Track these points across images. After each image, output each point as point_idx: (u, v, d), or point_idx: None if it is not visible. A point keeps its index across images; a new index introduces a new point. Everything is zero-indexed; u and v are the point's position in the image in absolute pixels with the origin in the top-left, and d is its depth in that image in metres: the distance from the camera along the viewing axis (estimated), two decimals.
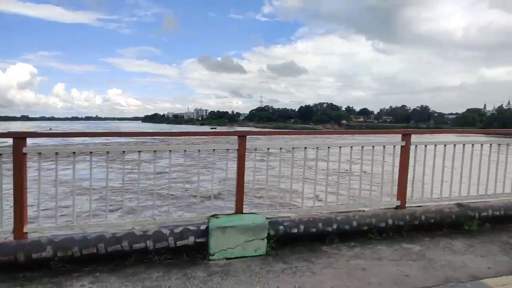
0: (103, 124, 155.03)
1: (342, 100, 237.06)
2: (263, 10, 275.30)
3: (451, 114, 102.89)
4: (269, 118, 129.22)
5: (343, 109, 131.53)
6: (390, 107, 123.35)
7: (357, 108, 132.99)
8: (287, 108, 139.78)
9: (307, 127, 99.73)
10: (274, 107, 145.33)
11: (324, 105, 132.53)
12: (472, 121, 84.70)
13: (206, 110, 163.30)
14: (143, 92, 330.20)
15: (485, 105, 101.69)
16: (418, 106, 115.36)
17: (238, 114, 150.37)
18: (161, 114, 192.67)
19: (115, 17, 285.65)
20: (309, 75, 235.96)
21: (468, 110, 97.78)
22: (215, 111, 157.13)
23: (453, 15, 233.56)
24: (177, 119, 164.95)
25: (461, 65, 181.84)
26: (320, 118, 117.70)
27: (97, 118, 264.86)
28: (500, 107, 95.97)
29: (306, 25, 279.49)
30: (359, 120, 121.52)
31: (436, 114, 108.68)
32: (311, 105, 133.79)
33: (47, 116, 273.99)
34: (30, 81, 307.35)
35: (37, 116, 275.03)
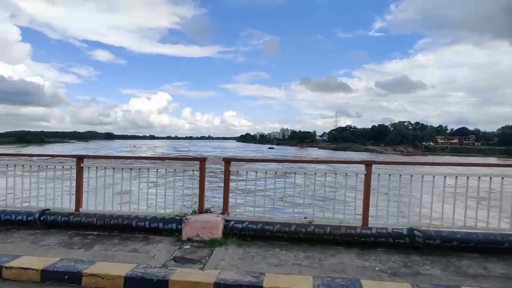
0: (199, 142, 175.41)
1: (476, 117, 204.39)
2: (375, 26, 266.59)
3: None
4: (346, 138, 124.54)
5: (436, 127, 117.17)
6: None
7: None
8: (366, 128, 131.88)
9: (373, 149, 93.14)
10: (358, 127, 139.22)
11: (405, 123, 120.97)
12: None
13: (291, 130, 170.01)
14: (254, 114, 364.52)
15: None
16: None
17: (323, 134, 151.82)
18: (252, 134, 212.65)
19: (232, 49, 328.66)
20: (429, 91, 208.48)
21: None
22: (297, 131, 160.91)
23: None
24: (263, 138, 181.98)
25: None
26: (393, 138, 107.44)
27: (209, 138, 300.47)
28: None
29: (426, 36, 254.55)
30: (452, 141, 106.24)
31: None
32: (385, 124, 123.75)
33: (172, 136, 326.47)
34: (166, 107, 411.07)
35: (164, 135, 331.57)
